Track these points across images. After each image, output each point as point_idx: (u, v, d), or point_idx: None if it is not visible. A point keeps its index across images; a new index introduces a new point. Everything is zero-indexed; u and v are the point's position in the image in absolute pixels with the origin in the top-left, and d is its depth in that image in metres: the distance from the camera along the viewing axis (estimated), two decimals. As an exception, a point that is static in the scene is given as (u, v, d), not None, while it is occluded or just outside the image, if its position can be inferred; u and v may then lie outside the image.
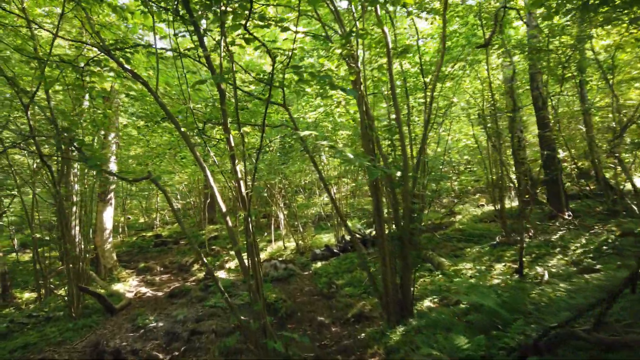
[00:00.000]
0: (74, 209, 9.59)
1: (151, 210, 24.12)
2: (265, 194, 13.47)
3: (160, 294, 9.89)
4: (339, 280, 8.31)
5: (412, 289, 5.10)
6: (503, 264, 6.99)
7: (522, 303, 3.66)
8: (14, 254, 14.67)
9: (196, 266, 12.18)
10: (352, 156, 3.08)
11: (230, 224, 4.09)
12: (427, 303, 5.76)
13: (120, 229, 18.02)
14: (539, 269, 6.11)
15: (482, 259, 7.62)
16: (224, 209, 4.10)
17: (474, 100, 11.50)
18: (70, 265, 7.78)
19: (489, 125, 8.66)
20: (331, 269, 9.18)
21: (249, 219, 3.71)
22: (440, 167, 10.84)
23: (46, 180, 9.47)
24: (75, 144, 3.95)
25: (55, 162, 7.56)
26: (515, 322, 3.12)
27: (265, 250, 12.54)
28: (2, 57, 5.84)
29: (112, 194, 11.52)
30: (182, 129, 4.06)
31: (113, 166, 11.71)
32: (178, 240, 16.74)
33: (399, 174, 3.31)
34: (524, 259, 6.58)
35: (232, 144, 3.87)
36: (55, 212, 9.50)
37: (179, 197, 22.76)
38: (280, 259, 11.03)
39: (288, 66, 3.43)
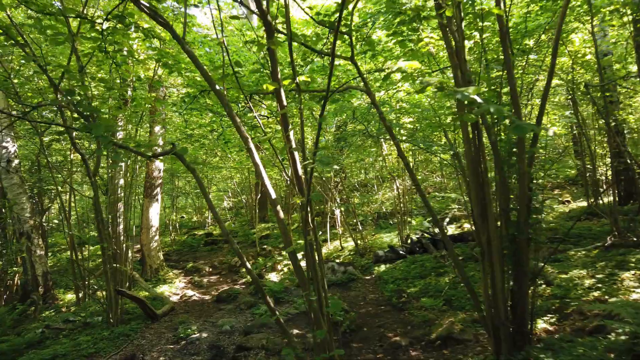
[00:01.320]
0: (119, 205, 8.95)
1: (203, 209, 23.77)
2: (320, 189, 12.36)
3: (207, 297, 9.02)
4: (410, 287, 6.98)
5: (529, 306, 3.72)
6: (631, 271, 5.37)
7: None
8: (68, 252, 14.49)
9: (246, 267, 11.25)
10: (480, 100, 1.81)
11: (281, 214, 2.93)
12: (541, 324, 4.33)
13: (171, 227, 17.59)
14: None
15: (596, 264, 6.01)
16: (273, 196, 2.95)
17: (564, 78, 9.77)
18: (108, 266, 6.98)
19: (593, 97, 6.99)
20: (398, 274, 7.86)
21: (309, 207, 2.53)
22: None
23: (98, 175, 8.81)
24: (77, 106, 2.93)
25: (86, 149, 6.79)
26: None
27: (321, 251, 11.39)
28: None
29: (158, 189, 10.82)
30: (217, 87, 2.95)
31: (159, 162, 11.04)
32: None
33: (551, 132, 2.03)
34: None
35: (284, 101, 2.72)
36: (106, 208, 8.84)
37: (230, 194, 22.23)
38: (338, 260, 9.86)
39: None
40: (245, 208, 20.80)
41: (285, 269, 10.30)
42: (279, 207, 2.96)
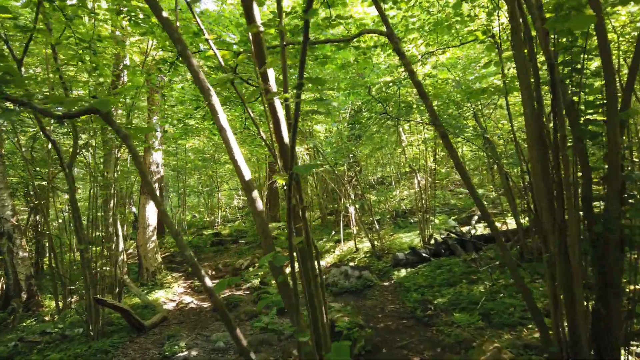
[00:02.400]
0: (111, 202, 8.09)
1: (214, 208, 22.98)
2: (333, 185, 11.34)
3: (205, 304, 8.06)
4: (437, 297, 5.90)
5: (621, 336, 2.62)
6: None
7: None
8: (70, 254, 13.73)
9: (252, 269, 10.29)
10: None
11: (259, 205, 1.93)
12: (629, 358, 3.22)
13: (176, 227, 16.75)
14: None
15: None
16: (246, 176, 1.95)
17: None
18: (87, 271, 6.08)
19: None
20: (422, 280, 6.76)
21: (296, 187, 1.52)
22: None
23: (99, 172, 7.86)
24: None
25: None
26: None
27: (333, 252, 10.35)
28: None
29: (156, 185, 9.93)
30: (164, 14, 1.95)
31: (159, 154, 10.16)
32: (237, 239, 15.09)
33: None
34: None
35: (256, 14, 1.71)
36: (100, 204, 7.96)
37: (240, 192, 21.37)
38: (352, 264, 8.80)
39: None
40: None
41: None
42: (255, 194, 1.94)
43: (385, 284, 7.36)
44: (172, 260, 13.11)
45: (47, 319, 7.53)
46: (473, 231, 8.76)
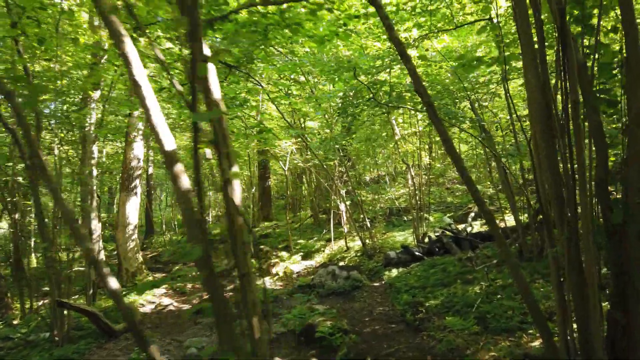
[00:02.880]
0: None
1: (207, 207, 22.54)
2: (324, 182, 10.90)
3: (185, 307, 7.62)
4: (429, 299, 5.44)
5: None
6: None
7: None
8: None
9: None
10: None
11: (184, 182, 1.49)
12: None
13: (164, 226, 16.32)
14: None
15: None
16: (167, 146, 1.49)
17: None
18: (52, 272, 5.63)
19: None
20: (414, 280, 6.32)
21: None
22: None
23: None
24: None
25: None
26: None
27: (323, 251, 9.90)
28: None
29: (137, 181, 9.47)
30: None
31: (140, 148, 9.72)
32: (226, 239, 14.62)
33: None
34: None
35: None
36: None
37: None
38: (341, 263, 8.36)
39: None
40: (250, 206, 19.51)
41: (281, 273, 8.86)
42: (179, 168, 1.49)
43: (376, 284, 6.92)
44: (157, 260, 12.67)
45: (15, 322, 7.05)
46: (469, 229, 8.32)
